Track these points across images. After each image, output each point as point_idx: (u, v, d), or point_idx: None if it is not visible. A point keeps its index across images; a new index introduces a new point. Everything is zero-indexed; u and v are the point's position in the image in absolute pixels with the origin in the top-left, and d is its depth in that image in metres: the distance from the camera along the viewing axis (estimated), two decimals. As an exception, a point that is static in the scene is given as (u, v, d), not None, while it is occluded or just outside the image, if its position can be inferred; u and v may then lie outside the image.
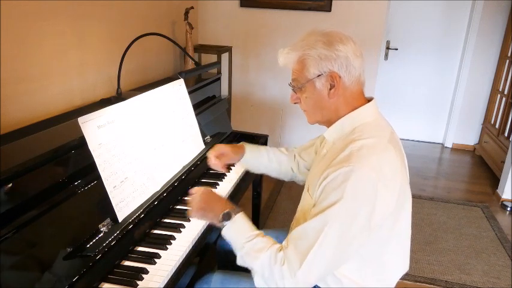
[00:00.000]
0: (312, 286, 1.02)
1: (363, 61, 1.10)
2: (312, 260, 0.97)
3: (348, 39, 1.08)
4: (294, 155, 1.50)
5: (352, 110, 1.10)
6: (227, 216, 1.08)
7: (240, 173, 1.74)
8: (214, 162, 1.41)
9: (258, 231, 1.07)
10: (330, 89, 1.08)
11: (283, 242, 1.04)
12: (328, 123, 1.15)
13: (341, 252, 1.00)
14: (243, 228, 1.08)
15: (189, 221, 1.34)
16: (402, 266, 1.18)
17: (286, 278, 0.98)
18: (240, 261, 1.06)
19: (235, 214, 1.09)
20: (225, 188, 1.60)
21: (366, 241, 1.02)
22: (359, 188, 0.96)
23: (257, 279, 1.04)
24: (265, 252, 1.01)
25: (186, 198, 1.48)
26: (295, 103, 1.18)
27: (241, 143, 1.52)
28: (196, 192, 1.18)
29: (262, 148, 1.51)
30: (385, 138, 1.06)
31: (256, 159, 1.49)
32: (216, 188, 1.56)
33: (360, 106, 1.11)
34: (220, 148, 1.44)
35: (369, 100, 1.14)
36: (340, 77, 1.06)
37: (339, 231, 0.97)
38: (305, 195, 1.17)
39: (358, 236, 0.99)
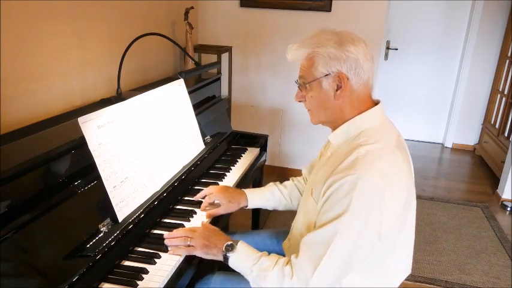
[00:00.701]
0: None
1: (373, 65, 1.08)
2: (323, 269, 0.97)
3: (360, 41, 1.06)
4: (304, 179, 1.47)
5: (358, 114, 1.08)
6: (230, 248, 1.11)
7: (240, 174, 1.74)
8: (205, 209, 1.39)
9: (261, 253, 1.09)
10: (337, 90, 1.06)
11: (292, 255, 1.04)
12: (332, 124, 1.13)
13: (350, 260, 0.99)
14: (247, 253, 1.10)
15: (189, 221, 1.34)
16: (405, 269, 1.17)
17: None
18: (253, 285, 1.07)
19: (236, 244, 1.11)
20: (225, 188, 1.60)
21: (374, 248, 1.01)
22: (366, 198, 0.96)
23: None
24: (273, 270, 1.03)
25: (186, 198, 1.49)
26: (299, 101, 1.16)
27: (244, 190, 1.45)
28: (192, 232, 1.18)
29: (266, 192, 1.45)
30: (392, 143, 1.05)
31: (262, 205, 1.46)
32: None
33: (366, 109, 1.08)
34: (217, 196, 1.39)
35: (376, 103, 1.12)
36: (348, 78, 1.04)
37: (348, 240, 0.97)
38: (308, 198, 1.15)
39: (368, 244, 0.99)
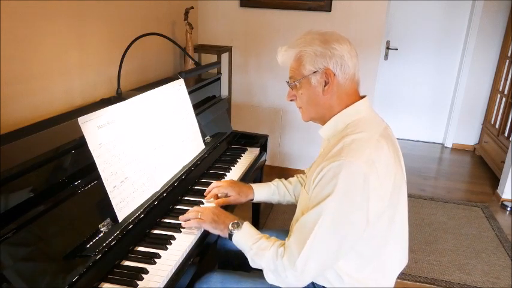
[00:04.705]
0: (312, 278, 1.07)
1: (358, 61, 1.14)
2: (309, 250, 1.01)
3: (344, 40, 1.12)
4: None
5: (345, 107, 1.13)
6: (236, 225, 1.18)
7: (240, 174, 1.75)
8: (215, 200, 1.45)
9: (262, 235, 1.16)
10: (325, 86, 1.11)
11: (286, 238, 1.10)
12: (322, 120, 1.18)
13: (336, 244, 1.03)
14: (250, 233, 1.17)
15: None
16: (402, 260, 1.21)
17: (287, 269, 1.03)
18: (252, 263, 1.14)
19: (242, 223, 1.19)
20: (225, 188, 1.60)
21: (364, 237, 1.04)
22: (350, 181, 0.99)
23: (267, 275, 1.10)
24: (269, 250, 1.08)
25: (186, 198, 1.49)
26: (291, 100, 1.22)
27: (250, 184, 1.52)
28: (204, 209, 1.29)
29: (272, 186, 1.51)
30: (377, 133, 1.08)
31: (266, 198, 1.51)
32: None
33: (353, 103, 1.14)
34: (227, 189, 1.46)
35: (362, 97, 1.17)
36: (334, 74, 1.10)
37: (332, 222, 1.00)
38: (302, 192, 1.20)
39: (354, 229, 1.02)
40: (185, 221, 1.28)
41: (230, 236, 1.18)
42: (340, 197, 0.99)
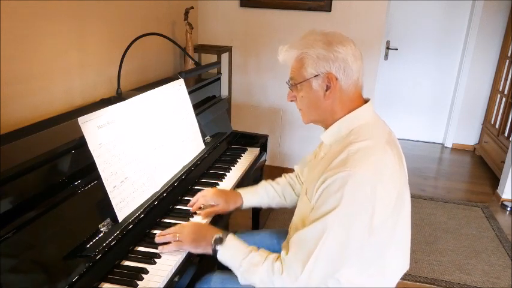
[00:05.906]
0: None
1: (362, 64, 1.09)
2: (313, 265, 0.97)
3: (349, 41, 1.07)
4: (297, 176, 1.47)
5: (348, 112, 1.09)
6: (219, 241, 1.10)
7: (240, 174, 1.74)
8: (197, 211, 1.38)
9: (251, 247, 1.09)
10: (326, 90, 1.07)
11: (282, 251, 1.05)
12: (323, 123, 1.15)
13: (341, 255, 1.00)
14: (237, 247, 1.09)
15: (189, 221, 1.34)
16: (403, 266, 1.18)
17: (288, 284, 0.99)
18: (242, 281, 1.07)
19: (226, 237, 1.11)
20: (225, 187, 1.60)
21: (366, 244, 1.02)
22: (357, 193, 0.96)
23: None
24: (262, 265, 1.03)
25: (186, 198, 1.49)
26: (291, 101, 1.18)
27: (237, 190, 1.46)
28: (182, 228, 1.19)
29: (260, 190, 1.46)
30: (383, 140, 1.05)
31: (256, 204, 1.46)
32: (216, 188, 1.56)
33: (356, 108, 1.10)
34: (212, 198, 1.38)
35: (366, 101, 1.13)
36: (337, 79, 1.05)
37: (338, 236, 0.97)
38: (303, 198, 1.16)
39: (358, 239, 1.00)
40: (161, 241, 1.18)
41: (215, 252, 1.10)
42: (345, 209, 0.96)
